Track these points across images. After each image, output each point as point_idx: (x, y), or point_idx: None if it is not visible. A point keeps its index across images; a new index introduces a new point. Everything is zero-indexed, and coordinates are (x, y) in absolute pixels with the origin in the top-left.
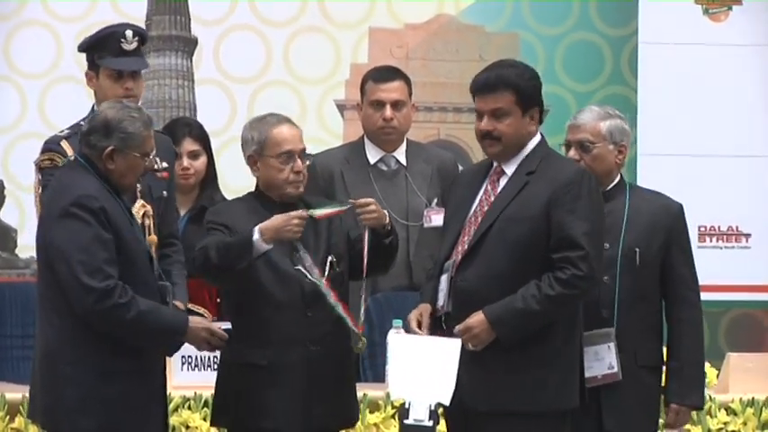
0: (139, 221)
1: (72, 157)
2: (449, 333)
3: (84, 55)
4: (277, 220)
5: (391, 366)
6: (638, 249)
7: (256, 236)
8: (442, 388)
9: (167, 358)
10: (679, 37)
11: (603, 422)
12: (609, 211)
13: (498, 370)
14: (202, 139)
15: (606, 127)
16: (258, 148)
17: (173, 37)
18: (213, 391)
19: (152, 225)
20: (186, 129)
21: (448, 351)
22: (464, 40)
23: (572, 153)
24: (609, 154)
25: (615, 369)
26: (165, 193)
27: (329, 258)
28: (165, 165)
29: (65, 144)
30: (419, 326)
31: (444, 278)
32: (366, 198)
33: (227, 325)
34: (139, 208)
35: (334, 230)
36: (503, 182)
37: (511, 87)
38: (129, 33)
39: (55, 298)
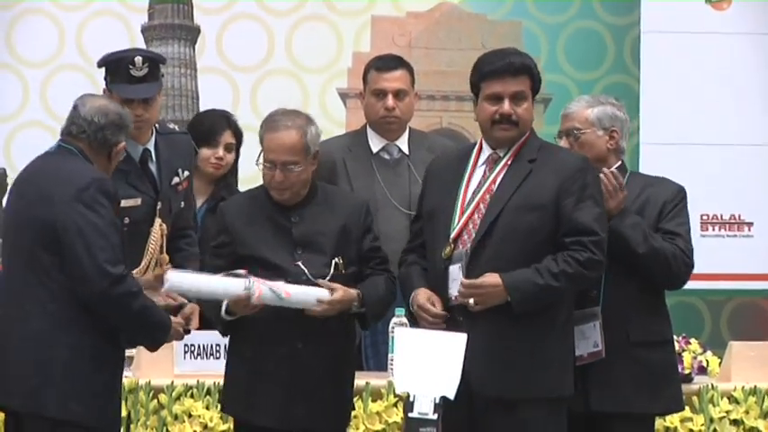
0: (158, 241)
1: (57, 146)
2: (467, 323)
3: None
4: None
5: (397, 360)
6: None
7: (223, 313)
8: (447, 382)
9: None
10: (681, 26)
11: (590, 401)
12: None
13: (504, 356)
14: (238, 135)
15: (594, 113)
16: (261, 146)
17: (175, 26)
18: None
19: (164, 243)
20: (226, 121)
21: (453, 345)
22: (466, 29)
23: (563, 142)
24: (598, 140)
25: (600, 347)
26: (182, 204)
27: (335, 260)
28: (186, 173)
29: None
30: (430, 310)
31: (455, 268)
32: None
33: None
34: (158, 228)
35: (345, 234)
36: (501, 169)
37: (529, 73)
38: (138, 60)
39: (50, 282)
